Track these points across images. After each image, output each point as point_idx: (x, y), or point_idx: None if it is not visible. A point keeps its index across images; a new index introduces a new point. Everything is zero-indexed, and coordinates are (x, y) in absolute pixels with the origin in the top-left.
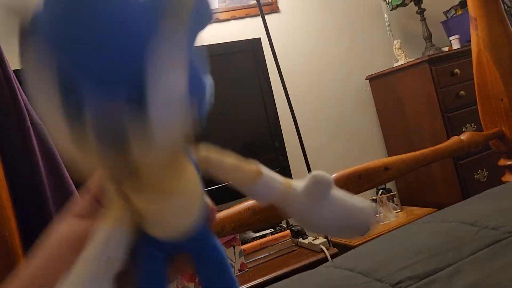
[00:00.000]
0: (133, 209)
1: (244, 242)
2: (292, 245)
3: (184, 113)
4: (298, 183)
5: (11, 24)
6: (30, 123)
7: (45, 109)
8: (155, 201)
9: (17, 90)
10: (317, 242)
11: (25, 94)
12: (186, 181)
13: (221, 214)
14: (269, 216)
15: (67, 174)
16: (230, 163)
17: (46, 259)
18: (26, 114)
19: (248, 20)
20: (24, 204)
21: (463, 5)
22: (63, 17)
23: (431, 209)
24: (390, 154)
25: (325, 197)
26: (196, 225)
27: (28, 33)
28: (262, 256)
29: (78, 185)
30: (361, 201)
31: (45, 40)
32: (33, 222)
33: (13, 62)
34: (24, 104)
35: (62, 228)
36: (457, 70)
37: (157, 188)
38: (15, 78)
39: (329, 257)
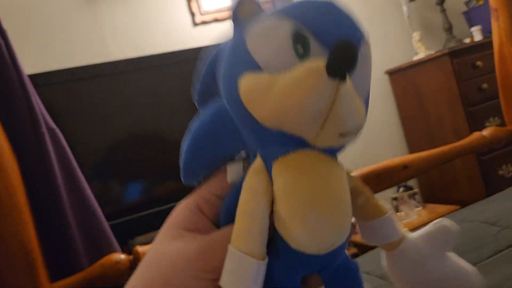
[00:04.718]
0: (275, 210)
1: None
2: None
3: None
4: (415, 233)
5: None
6: (45, 128)
7: (277, 47)
8: (319, 201)
9: (32, 95)
10: None
11: (39, 99)
12: (346, 189)
13: None
14: None
15: (82, 178)
16: (367, 192)
17: (165, 276)
18: (41, 119)
19: None
20: (40, 208)
21: None
22: (311, 4)
23: (454, 206)
24: (411, 150)
25: (445, 249)
26: (346, 240)
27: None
28: None
29: (92, 188)
30: (468, 265)
31: (291, 12)
32: (49, 226)
33: (27, 67)
34: (39, 109)
35: (180, 244)
36: (479, 63)
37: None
38: (30, 83)
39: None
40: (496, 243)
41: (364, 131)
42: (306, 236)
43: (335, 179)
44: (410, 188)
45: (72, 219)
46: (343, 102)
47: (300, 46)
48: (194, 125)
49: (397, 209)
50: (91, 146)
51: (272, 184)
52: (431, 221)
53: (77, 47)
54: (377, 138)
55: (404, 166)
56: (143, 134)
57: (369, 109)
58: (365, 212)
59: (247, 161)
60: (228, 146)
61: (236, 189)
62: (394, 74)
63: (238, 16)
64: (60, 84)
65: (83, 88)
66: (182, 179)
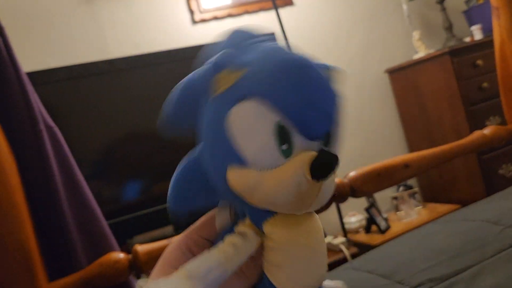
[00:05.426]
0: (265, 258)
1: None
2: None
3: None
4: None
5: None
6: (44, 126)
7: (263, 145)
8: (300, 249)
9: (30, 93)
10: (336, 241)
11: (38, 97)
12: (323, 240)
13: None
14: None
15: (81, 177)
16: None
17: None
18: (40, 117)
19: (261, 14)
20: (38, 207)
21: None
22: (292, 85)
23: (454, 205)
24: (411, 149)
25: None
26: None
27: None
28: None
29: (91, 187)
30: None
31: (272, 99)
32: (47, 225)
33: (26, 65)
34: (38, 107)
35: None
36: (479, 62)
37: (307, 236)
38: (28, 81)
39: (348, 257)
40: (499, 242)
41: (364, 130)
42: (294, 282)
43: (316, 233)
44: (410, 187)
45: (71, 218)
46: (325, 191)
47: (284, 144)
48: (180, 169)
49: (397, 208)
50: (89, 144)
51: (262, 236)
52: (431, 220)
53: (76, 45)
54: (377, 137)
55: (405, 165)
56: (142, 132)
57: (369, 108)
58: None
59: (234, 208)
60: (214, 196)
61: (224, 234)
62: (394, 73)
63: (216, 89)
64: (59, 82)
65: (81, 86)
66: (169, 214)
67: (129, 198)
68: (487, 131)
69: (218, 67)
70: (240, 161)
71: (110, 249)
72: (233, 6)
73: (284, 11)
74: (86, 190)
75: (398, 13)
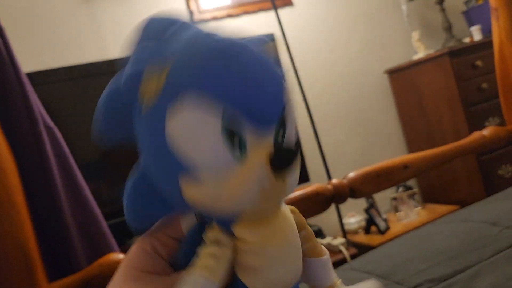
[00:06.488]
0: (238, 261)
1: None
2: None
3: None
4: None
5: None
6: (43, 127)
7: (209, 143)
8: (274, 249)
9: (30, 94)
10: (336, 242)
11: (37, 97)
12: (294, 229)
13: None
14: None
15: (80, 177)
16: (309, 229)
17: None
18: (39, 117)
19: (261, 15)
20: (38, 208)
21: None
22: (229, 70)
23: (453, 206)
24: (410, 150)
25: None
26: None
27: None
28: None
29: (91, 187)
30: None
31: (211, 91)
32: (47, 225)
33: (25, 65)
34: (37, 107)
35: (139, 286)
36: (478, 62)
37: (276, 231)
38: (28, 82)
39: (348, 258)
40: (497, 243)
41: (363, 131)
42: (271, 283)
43: (289, 228)
44: (410, 188)
45: (70, 219)
46: (291, 182)
47: (236, 147)
48: (129, 186)
49: (396, 209)
50: (89, 145)
51: (234, 239)
52: (431, 221)
53: (75, 45)
54: (376, 138)
55: (405, 166)
56: None
57: (368, 109)
58: (303, 248)
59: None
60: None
61: (192, 234)
62: (393, 73)
63: (143, 99)
64: (58, 82)
65: (81, 87)
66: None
67: None
68: (486, 132)
69: (138, 69)
70: (190, 170)
71: (109, 249)
72: (233, 6)
73: (283, 12)
74: (85, 191)
75: (398, 13)
